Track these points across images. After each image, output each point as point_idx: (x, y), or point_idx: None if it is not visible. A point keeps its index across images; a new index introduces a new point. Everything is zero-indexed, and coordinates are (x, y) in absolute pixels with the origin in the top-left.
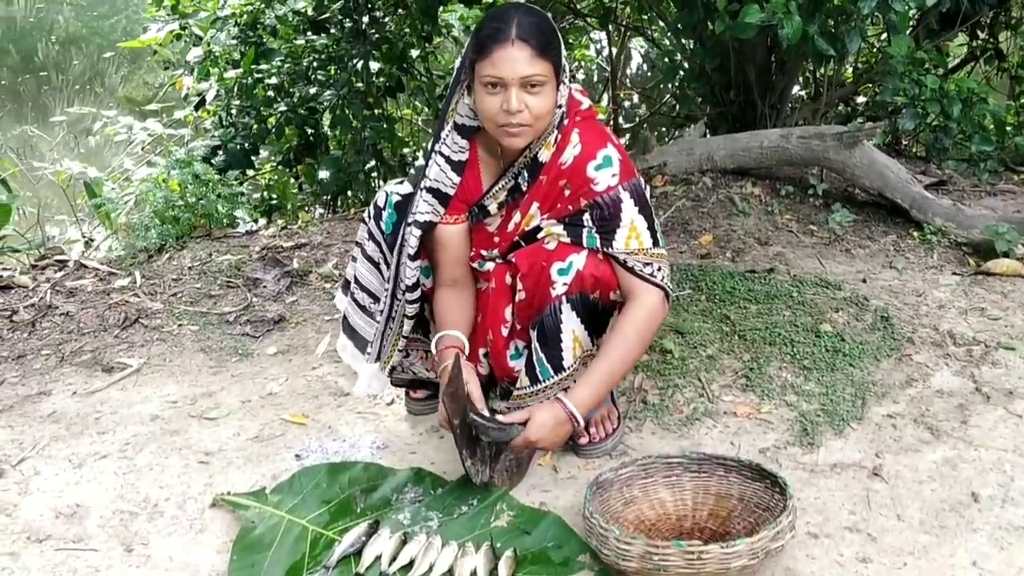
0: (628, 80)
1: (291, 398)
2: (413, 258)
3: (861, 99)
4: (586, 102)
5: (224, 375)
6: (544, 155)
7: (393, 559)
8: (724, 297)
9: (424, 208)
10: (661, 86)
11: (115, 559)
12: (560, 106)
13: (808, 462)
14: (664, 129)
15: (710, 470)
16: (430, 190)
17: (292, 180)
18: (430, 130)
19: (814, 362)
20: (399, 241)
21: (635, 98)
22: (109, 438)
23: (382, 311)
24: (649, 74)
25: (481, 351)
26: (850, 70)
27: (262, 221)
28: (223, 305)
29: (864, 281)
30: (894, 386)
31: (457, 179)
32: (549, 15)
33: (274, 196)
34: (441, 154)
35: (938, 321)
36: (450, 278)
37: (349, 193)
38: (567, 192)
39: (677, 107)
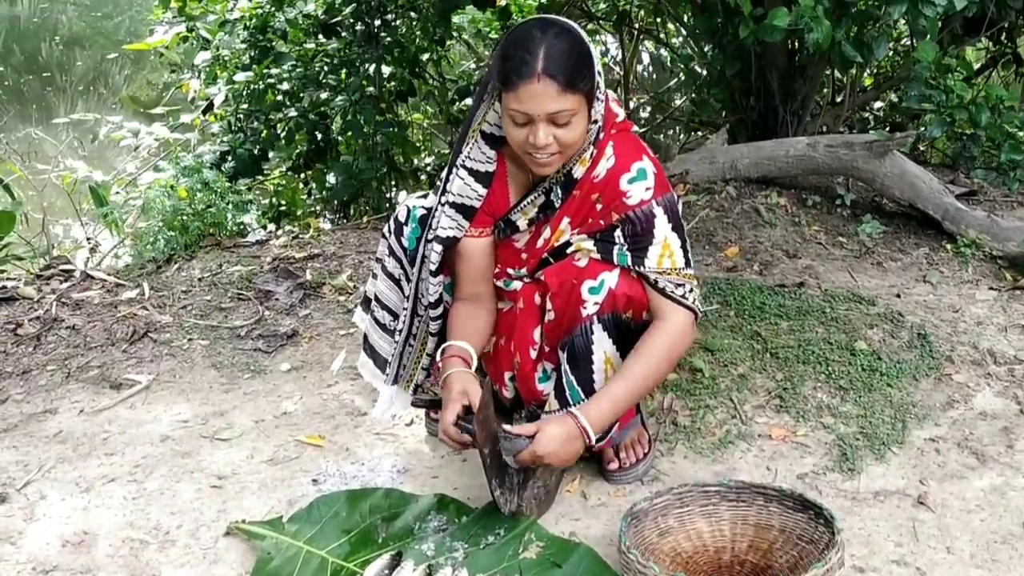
0: (638, 83)
1: (306, 418)
2: (435, 274)
3: (878, 104)
4: (622, 113)
5: (236, 393)
6: (579, 171)
7: None
8: (754, 313)
9: (447, 223)
10: (673, 90)
11: None
12: (596, 121)
13: (849, 489)
14: (675, 132)
15: (749, 499)
16: (453, 205)
17: (301, 186)
18: (441, 135)
19: (850, 382)
20: (419, 256)
21: (644, 100)
22: (118, 460)
23: (400, 330)
24: (655, 78)
25: (507, 375)
26: (869, 76)
27: (271, 227)
28: (234, 319)
29: (898, 296)
30: (935, 408)
31: (484, 191)
32: (580, 32)
33: (283, 203)
34: (464, 167)
35: (977, 339)
36: (470, 293)
37: (361, 200)
38: (599, 206)
39: (693, 113)
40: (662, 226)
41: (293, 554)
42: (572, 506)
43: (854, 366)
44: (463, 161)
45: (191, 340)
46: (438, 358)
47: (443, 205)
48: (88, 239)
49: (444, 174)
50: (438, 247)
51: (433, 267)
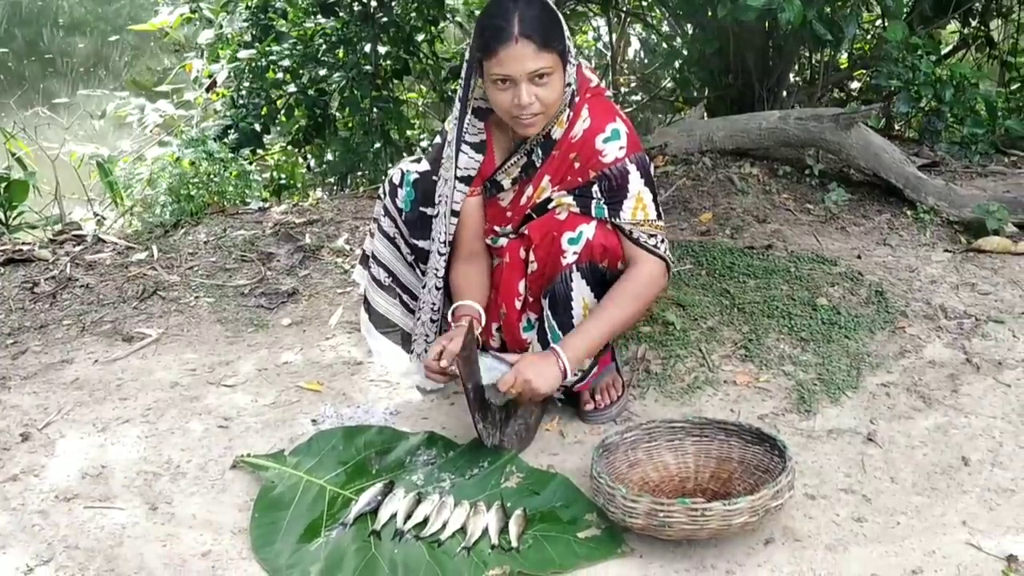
0: (626, 66)
1: (306, 367)
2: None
3: (855, 84)
4: (595, 79)
5: (240, 345)
6: (557, 132)
7: (408, 517)
8: (724, 272)
9: (459, 198)
10: (659, 71)
11: (140, 516)
12: (570, 84)
13: (805, 428)
14: (662, 115)
15: (712, 434)
16: (462, 179)
17: (300, 160)
18: (434, 113)
19: (811, 334)
20: (431, 227)
21: (633, 83)
22: (131, 404)
23: (420, 311)
24: (646, 60)
25: (494, 325)
26: (844, 56)
27: (272, 199)
28: (238, 278)
29: (859, 257)
30: (888, 357)
31: (480, 158)
32: (548, 1)
33: (283, 176)
34: (465, 142)
35: (930, 296)
36: (468, 251)
37: (358, 173)
38: (576, 164)
39: (676, 92)
40: (635, 181)
41: (294, 483)
42: (551, 442)
43: (815, 320)
44: (464, 137)
45: (198, 298)
46: (449, 318)
47: (455, 180)
48: (95, 213)
49: (447, 151)
50: (454, 220)
51: (450, 238)
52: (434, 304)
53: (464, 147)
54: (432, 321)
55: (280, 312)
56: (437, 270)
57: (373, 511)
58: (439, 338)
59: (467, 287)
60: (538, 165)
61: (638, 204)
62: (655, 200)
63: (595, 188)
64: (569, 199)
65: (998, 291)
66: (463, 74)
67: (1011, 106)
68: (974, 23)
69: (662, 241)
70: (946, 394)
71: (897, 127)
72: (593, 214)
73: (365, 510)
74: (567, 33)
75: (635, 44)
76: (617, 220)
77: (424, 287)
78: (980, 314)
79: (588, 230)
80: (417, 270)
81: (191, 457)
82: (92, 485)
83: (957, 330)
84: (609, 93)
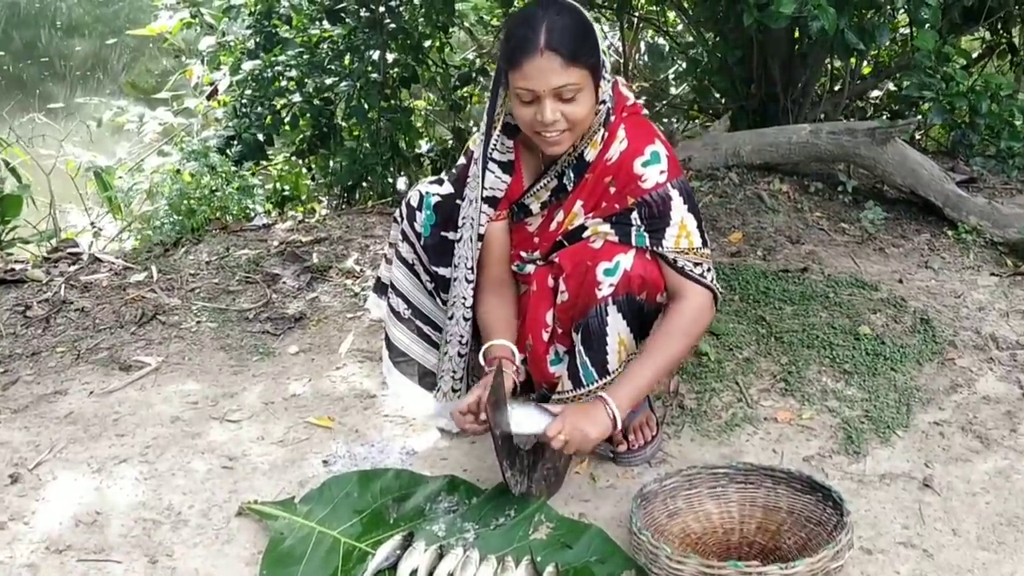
0: (637, 72)
1: (315, 400)
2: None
3: (876, 93)
4: (632, 97)
5: (245, 375)
6: (590, 154)
7: (429, 574)
8: (758, 297)
9: (484, 220)
10: (671, 78)
11: (139, 571)
12: (604, 102)
13: (855, 472)
14: (676, 120)
15: (757, 481)
16: (487, 200)
17: (305, 172)
18: (442, 121)
19: (854, 366)
20: (453, 253)
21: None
22: (129, 440)
23: (446, 344)
24: (652, 66)
25: (519, 357)
26: (867, 65)
27: (275, 213)
28: (242, 301)
29: (900, 281)
30: (939, 392)
31: (508, 179)
32: (581, 8)
33: (286, 188)
34: (493, 159)
35: (979, 324)
36: (495, 279)
37: (364, 185)
38: (612, 189)
39: (694, 100)
40: (678, 208)
41: (306, 534)
42: (581, 488)
43: (858, 350)
44: (491, 155)
45: (199, 322)
46: (482, 360)
47: (480, 200)
48: (92, 224)
49: (473, 170)
50: (480, 244)
51: (474, 264)
52: (462, 337)
53: (491, 165)
54: (460, 355)
55: (287, 338)
56: (464, 299)
57: (392, 567)
58: (474, 388)
59: (495, 323)
60: (570, 189)
61: (682, 232)
62: (700, 227)
63: (634, 215)
64: (606, 227)
65: None
66: (491, 87)
67: None
68: (999, 30)
69: (708, 270)
70: (1004, 434)
71: (918, 136)
72: (633, 243)
73: (383, 566)
74: (601, 46)
75: (642, 48)
76: (659, 249)
77: (451, 318)
78: None
79: (626, 260)
80: (438, 299)
81: (193, 502)
82: (86, 534)
83: (1011, 362)
84: (646, 112)
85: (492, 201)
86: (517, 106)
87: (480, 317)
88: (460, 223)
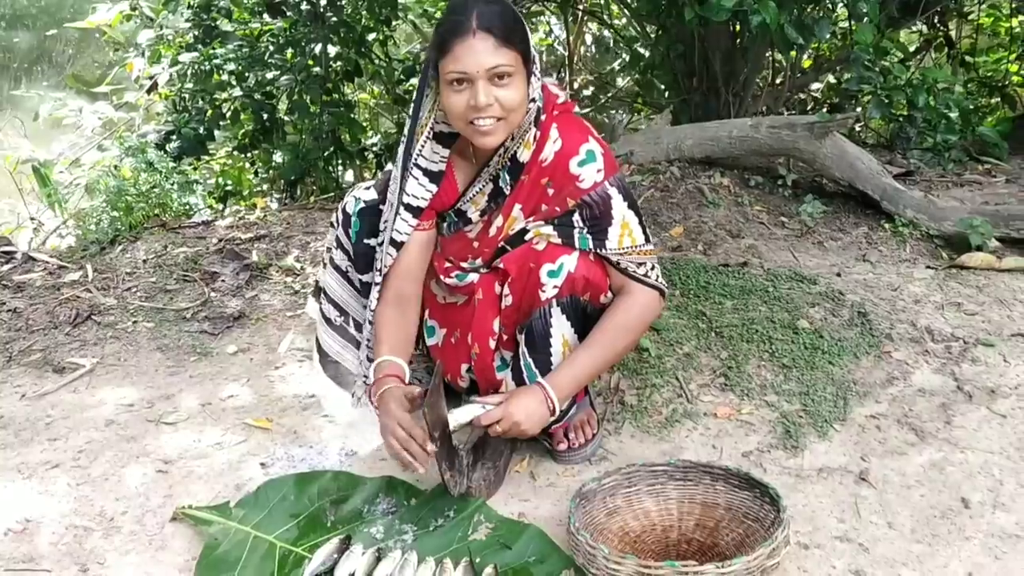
0: (582, 64)
1: (254, 401)
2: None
3: (816, 86)
4: (563, 95)
5: (182, 376)
6: (524, 155)
7: None
8: (699, 292)
9: (403, 228)
10: (616, 70)
11: None
12: (534, 100)
13: (793, 466)
14: (618, 112)
15: (696, 478)
16: (408, 207)
17: (248, 166)
18: (387, 115)
19: (793, 360)
20: (374, 259)
21: (589, 82)
22: (61, 445)
23: (366, 349)
24: (597, 58)
25: (464, 367)
26: (807, 59)
27: (218, 208)
28: (180, 301)
29: (839, 275)
30: (875, 385)
31: (435, 189)
32: (510, 2)
33: (228, 183)
34: (418, 166)
35: (915, 317)
36: (399, 292)
37: (308, 180)
38: (551, 191)
39: (638, 94)
40: (619, 206)
41: (241, 539)
42: (521, 486)
43: (797, 344)
44: (416, 160)
45: (136, 323)
46: (371, 377)
47: (400, 206)
48: (32, 219)
49: (395, 173)
50: (393, 251)
51: (386, 269)
52: (369, 341)
53: (415, 172)
54: (370, 360)
55: (225, 338)
56: (372, 304)
57: (329, 571)
58: (389, 412)
59: (389, 337)
60: (507, 192)
61: (624, 230)
62: (641, 223)
63: (576, 217)
64: (548, 229)
65: (985, 311)
66: (416, 89)
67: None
68: (935, 24)
69: (652, 268)
70: (939, 426)
71: (858, 129)
72: (577, 245)
73: (320, 570)
74: (531, 40)
75: (588, 41)
76: (603, 251)
77: (369, 323)
78: (968, 336)
79: (570, 262)
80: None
81: (127, 508)
82: (15, 543)
83: (945, 354)
84: (578, 109)
85: (414, 210)
86: (449, 95)
87: (376, 328)
88: (381, 227)
